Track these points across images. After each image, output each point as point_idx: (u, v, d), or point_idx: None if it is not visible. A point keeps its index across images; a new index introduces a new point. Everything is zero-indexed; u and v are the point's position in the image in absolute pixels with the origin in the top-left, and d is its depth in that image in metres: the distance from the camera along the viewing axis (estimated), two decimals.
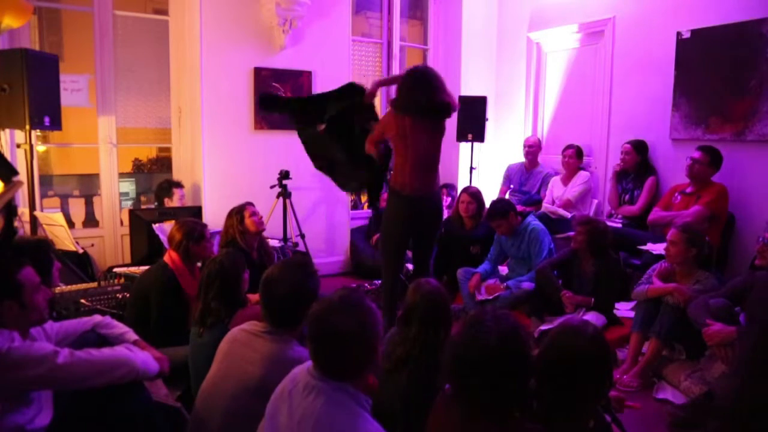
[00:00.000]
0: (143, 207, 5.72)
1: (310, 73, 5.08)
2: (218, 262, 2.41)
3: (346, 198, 5.54)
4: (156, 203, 4.50)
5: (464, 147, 5.75)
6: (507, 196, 5.39)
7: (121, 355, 1.86)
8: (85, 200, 5.62)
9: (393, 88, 3.84)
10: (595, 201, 5.10)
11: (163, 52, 4.79)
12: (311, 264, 2.09)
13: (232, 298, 2.38)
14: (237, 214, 3.44)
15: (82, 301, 2.97)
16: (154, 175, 7.20)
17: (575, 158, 4.95)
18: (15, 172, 2.07)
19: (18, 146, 3.71)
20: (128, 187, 6.89)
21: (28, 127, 3.42)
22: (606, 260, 3.58)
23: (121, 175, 5.24)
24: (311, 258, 4.52)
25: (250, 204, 3.53)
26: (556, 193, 5.05)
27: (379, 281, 4.55)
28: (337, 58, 5.25)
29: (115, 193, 4.73)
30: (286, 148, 5.04)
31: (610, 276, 3.55)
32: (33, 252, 2.09)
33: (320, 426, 1.40)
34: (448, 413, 1.54)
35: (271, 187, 4.63)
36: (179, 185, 4.44)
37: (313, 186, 5.23)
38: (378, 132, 3.44)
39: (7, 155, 3.63)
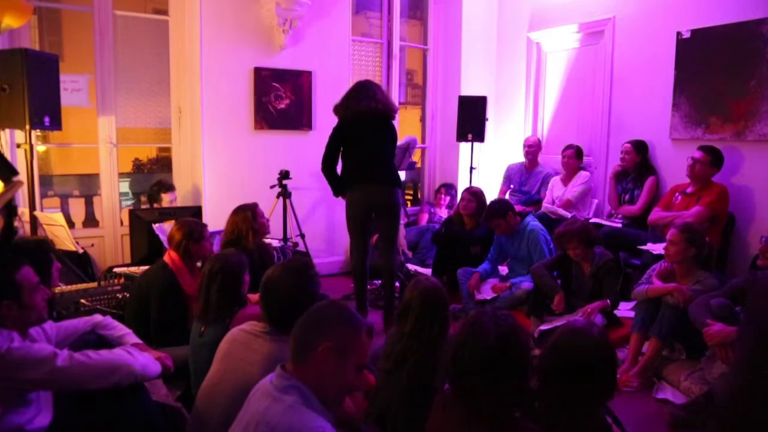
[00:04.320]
0: (143, 207, 5.71)
1: (310, 73, 5.08)
2: (221, 257, 2.43)
3: None
4: (148, 205, 4.50)
5: (464, 147, 5.76)
6: (507, 196, 5.39)
7: (120, 358, 1.86)
8: (85, 200, 5.61)
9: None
10: (595, 201, 5.10)
11: (163, 52, 4.79)
12: (312, 266, 2.08)
13: (233, 294, 2.39)
14: (252, 211, 3.39)
15: (82, 301, 2.97)
16: (155, 175, 7.19)
17: (575, 158, 4.95)
18: (15, 172, 2.07)
19: (18, 146, 3.71)
20: (128, 187, 6.88)
21: (28, 127, 3.42)
22: (603, 259, 3.57)
23: (121, 175, 5.24)
24: (312, 259, 4.51)
25: (258, 205, 3.52)
26: (556, 193, 5.05)
27: (379, 281, 4.56)
28: (337, 58, 5.25)
29: (115, 193, 4.73)
30: (286, 148, 5.05)
31: (609, 275, 3.54)
32: (33, 252, 2.09)
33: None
34: (447, 413, 1.54)
35: (271, 187, 4.63)
36: (169, 189, 4.41)
37: (313, 186, 5.23)
38: None
39: (7, 155, 3.63)
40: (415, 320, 2.05)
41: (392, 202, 3.83)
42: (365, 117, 3.67)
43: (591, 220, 4.46)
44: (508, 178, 5.61)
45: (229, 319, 2.34)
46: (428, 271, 4.55)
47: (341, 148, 3.83)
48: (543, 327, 3.49)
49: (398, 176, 3.92)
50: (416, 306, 2.09)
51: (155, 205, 4.35)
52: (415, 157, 6.05)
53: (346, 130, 3.77)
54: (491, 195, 5.34)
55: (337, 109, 3.79)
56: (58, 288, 2.90)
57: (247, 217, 3.36)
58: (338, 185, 3.91)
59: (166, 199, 4.35)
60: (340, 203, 5.43)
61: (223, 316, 2.34)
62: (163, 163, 7.04)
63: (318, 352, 1.44)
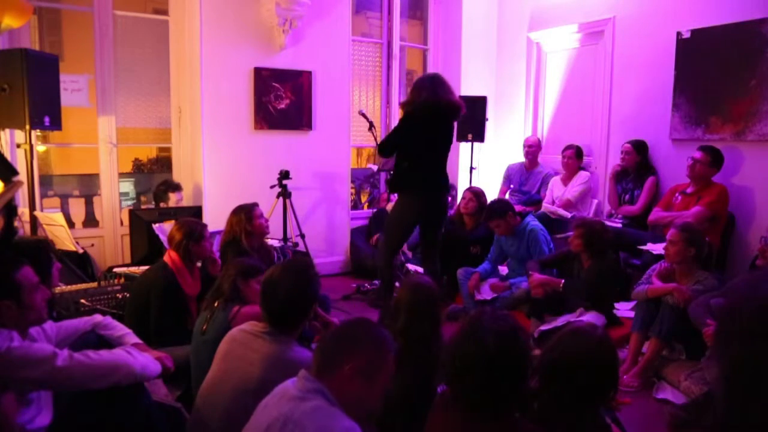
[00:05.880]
0: (143, 207, 5.71)
1: (310, 73, 5.08)
2: (238, 261, 2.55)
3: (346, 198, 5.54)
4: (154, 204, 4.49)
5: (464, 147, 5.75)
6: (507, 196, 5.39)
7: (120, 358, 1.86)
8: (85, 200, 5.62)
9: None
10: (595, 201, 5.10)
11: (163, 52, 4.79)
12: (312, 266, 2.09)
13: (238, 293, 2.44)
14: (246, 213, 3.41)
15: (82, 301, 2.97)
16: (155, 175, 7.20)
17: (575, 158, 4.95)
18: (15, 172, 2.07)
19: (18, 146, 3.71)
20: (128, 187, 6.88)
21: (28, 127, 3.41)
22: (604, 259, 3.57)
23: (121, 175, 5.24)
24: (312, 259, 4.51)
25: (258, 205, 3.52)
26: (556, 193, 5.05)
27: (379, 281, 4.55)
28: (337, 58, 5.25)
29: (115, 193, 4.72)
30: (286, 148, 5.05)
31: (606, 274, 3.55)
32: (33, 252, 2.09)
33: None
34: (447, 414, 1.54)
35: (271, 187, 4.63)
36: (176, 188, 4.40)
37: (313, 186, 5.23)
38: None
39: (7, 155, 3.63)
40: (405, 317, 2.07)
41: (445, 209, 3.79)
42: (442, 112, 3.49)
43: None
44: (508, 178, 5.61)
45: (231, 316, 2.34)
46: None
47: (404, 143, 3.60)
48: (543, 327, 3.49)
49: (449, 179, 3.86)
50: (406, 303, 2.11)
51: (162, 205, 4.33)
52: None
53: (420, 124, 3.51)
54: (491, 195, 5.34)
55: (417, 99, 3.49)
56: (58, 288, 2.89)
57: (240, 219, 3.39)
58: (395, 179, 3.72)
59: (173, 199, 4.35)
60: (340, 203, 5.47)
61: (233, 299, 2.38)
62: (163, 163, 7.05)
63: (344, 371, 1.41)
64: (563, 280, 3.57)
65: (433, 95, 3.45)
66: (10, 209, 2.14)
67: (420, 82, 3.59)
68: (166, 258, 2.90)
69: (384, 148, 3.66)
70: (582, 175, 4.96)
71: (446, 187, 3.74)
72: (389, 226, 3.79)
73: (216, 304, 2.40)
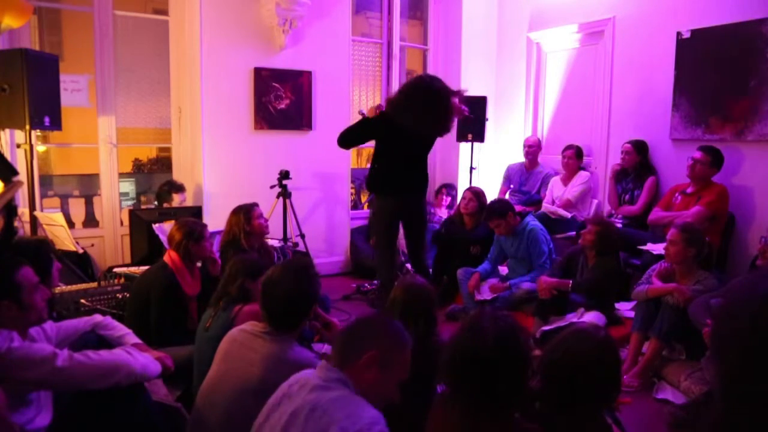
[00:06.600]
0: (143, 207, 5.72)
1: (310, 73, 5.08)
2: (243, 260, 2.52)
3: (346, 198, 5.54)
4: (156, 204, 4.49)
5: (464, 147, 5.75)
6: (507, 196, 5.39)
7: (120, 359, 1.86)
8: (85, 200, 5.62)
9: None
10: (595, 201, 5.10)
11: (163, 52, 4.79)
12: (312, 266, 2.09)
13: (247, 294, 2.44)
14: (245, 213, 3.42)
15: (82, 301, 2.97)
16: (154, 175, 7.21)
17: (575, 158, 4.95)
18: (15, 172, 2.07)
19: (18, 146, 3.71)
20: (128, 187, 6.89)
21: (28, 127, 3.42)
22: (610, 259, 3.59)
23: (121, 175, 5.24)
24: (312, 259, 4.51)
25: (257, 205, 3.53)
26: (556, 193, 5.05)
27: (378, 281, 4.55)
28: (337, 58, 5.25)
29: (115, 193, 4.72)
30: (286, 148, 5.05)
31: (610, 273, 3.55)
32: (33, 252, 2.09)
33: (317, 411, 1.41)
34: (446, 413, 1.54)
35: (271, 187, 4.63)
36: (179, 189, 4.40)
37: (313, 186, 5.23)
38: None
39: (7, 155, 3.63)
40: (400, 317, 2.07)
41: (422, 209, 3.73)
42: (424, 132, 3.41)
43: None
44: (508, 178, 5.61)
45: (233, 314, 2.34)
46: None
47: (376, 143, 3.55)
48: (545, 328, 3.49)
49: (428, 180, 3.78)
50: (400, 303, 2.12)
51: (165, 205, 4.33)
52: None
53: (393, 132, 3.39)
54: (491, 195, 5.34)
55: (398, 108, 3.35)
56: (58, 288, 2.89)
57: (240, 219, 3.40)
58: (370, 181, 3.65)
59: (176, 200, 4.34)
60: (340, 203, 5.47)
61: (241, 299, 2.38)
62: (163, 163, 7.05)
63: (363, 360, 1.46)
64: (571, 281, 3.59)
65: (402, 120, 3.30)
66: (10, 209, 2.14)
67: (402, 96, 3.37)
68: (166, 258, 2.90)
69: (342, 140, 3.52)
70: (582, 175, 4.96)
71: (421, 189, 3.67)
72: (373, 228, 3.77)
73: (220, 303, 2.41)
